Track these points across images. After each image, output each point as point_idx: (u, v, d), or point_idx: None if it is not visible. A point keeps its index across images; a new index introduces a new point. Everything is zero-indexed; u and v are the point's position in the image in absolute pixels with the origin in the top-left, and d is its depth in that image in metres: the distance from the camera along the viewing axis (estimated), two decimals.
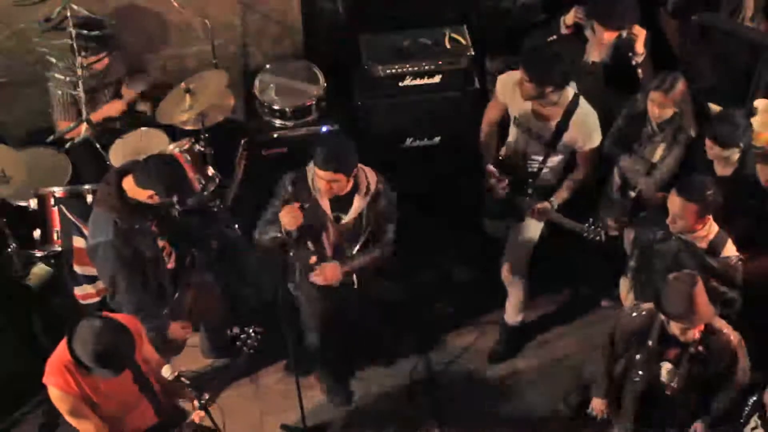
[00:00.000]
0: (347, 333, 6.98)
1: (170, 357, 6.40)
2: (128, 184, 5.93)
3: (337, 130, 7.59)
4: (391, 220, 6.42)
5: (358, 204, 6.24)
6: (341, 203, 6.23)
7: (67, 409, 5.35)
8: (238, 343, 5.89)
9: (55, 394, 5.36)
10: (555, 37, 7.03)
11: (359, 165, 6.16)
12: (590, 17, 6.83)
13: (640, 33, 6.78)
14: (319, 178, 6.03)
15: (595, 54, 6.90)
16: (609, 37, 6.77)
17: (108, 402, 5.46)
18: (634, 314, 5.85)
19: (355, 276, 6.49)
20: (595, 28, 6.79)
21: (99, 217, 6.02)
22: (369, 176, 6.26)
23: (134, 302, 6.09)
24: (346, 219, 6.30)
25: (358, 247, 6.41)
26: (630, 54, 6.83)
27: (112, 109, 7.39)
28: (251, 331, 5.89)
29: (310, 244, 6.35)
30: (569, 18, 6.95)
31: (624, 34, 6.78)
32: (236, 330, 6.85)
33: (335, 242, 6.39)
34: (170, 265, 6.36)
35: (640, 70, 6.85)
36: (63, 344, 5.34)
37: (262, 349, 6.01)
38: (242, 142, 7.43)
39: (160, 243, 6.25)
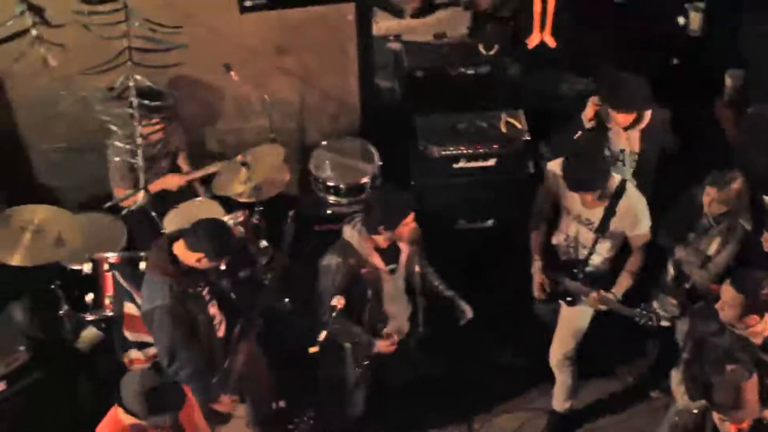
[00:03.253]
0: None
1: (216, 428, 6.38)
2: (179, 248, 5.96)
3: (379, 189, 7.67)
4: (422, 252, 6.53)
5: (405, 250, 6.35)
6: (387, 255, 6.29)
7: None
8: (290, 426, 5.86)
9: None
10: (580, 133, 7.02)
11: None
12: (602, 101, 6.85)
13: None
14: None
15: (622, 141, 6.89)
16: (623, 120, 6.77)
17: None
18: (686, 414, 5.79)
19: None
20: (610, 113, 6.81)
21: (153, 283, 6.03)
22: None
23: (190, 369, 6.06)
24: (400, 267, 6.37)
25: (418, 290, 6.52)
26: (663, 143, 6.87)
27: (171, 182, 7.48)
28: (305, 417, 5.85)
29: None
30: (589, 112, 6.95)
31: (644, 117, 6.79)
32: (282, 404, 6.86)
33: (394, 295, 6.44)
34: (220, 333, 6.37)
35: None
36: (112, 412, 5.33)
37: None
38: (290, 213, 7.45)
39: (211, 310, 6.26)
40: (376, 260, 6.25)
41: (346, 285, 6.22)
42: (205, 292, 6.19)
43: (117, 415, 5.30)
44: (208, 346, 6.22)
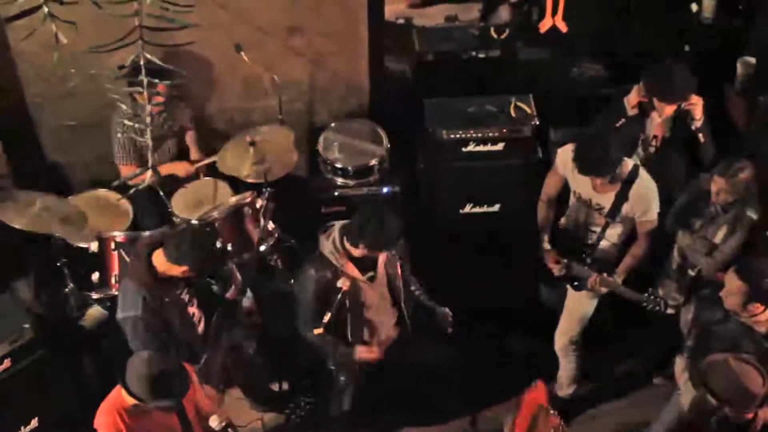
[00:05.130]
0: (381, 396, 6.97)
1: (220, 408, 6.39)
2: (158, 259, 5.90)
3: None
4: (406, 260, 6.50)
5: (381, 257, 6.29)
6: (364, 263, 6.22)
7: None
8: (287, 411, 5.85)
9: None
10: (624, 120, 6.96)
11: None
12: (650, 94, 6.80)
13: (698, 101, 6.71)
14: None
15: (657, 128, 6.87)
16: (670, 110, 6.73)
17: None
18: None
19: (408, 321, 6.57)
20: (656, 104, 6.76)
21: (128, 291, 5.97)
22: None
23: None
24: (379, 274, 6.31)
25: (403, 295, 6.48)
26: (689, 120, 6.78)
27: (181, 169, 7.49)
28: (302, 402, 5.85)
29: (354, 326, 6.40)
30: (633, 99, 6.91)
31: (683, 105, 6.75)
32: (284, 385, 6.84)
33: (376, 303, 6.41)
34: (200, 329, 6.34)
35: (700, 135, 6.78)
36: (117, 389, 5.35)
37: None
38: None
39: (191, 310, 6.24)
40: (352, 270, 6.20)
41: (325, 296, 6.21)
42: (183, 294, 6.16)
43: (120, 395, 5.32)
44: (187, 344, 6.19)
